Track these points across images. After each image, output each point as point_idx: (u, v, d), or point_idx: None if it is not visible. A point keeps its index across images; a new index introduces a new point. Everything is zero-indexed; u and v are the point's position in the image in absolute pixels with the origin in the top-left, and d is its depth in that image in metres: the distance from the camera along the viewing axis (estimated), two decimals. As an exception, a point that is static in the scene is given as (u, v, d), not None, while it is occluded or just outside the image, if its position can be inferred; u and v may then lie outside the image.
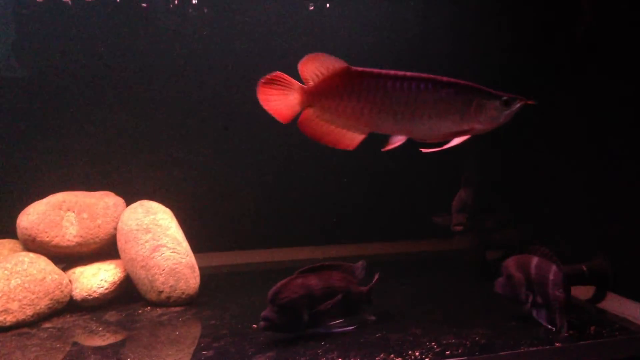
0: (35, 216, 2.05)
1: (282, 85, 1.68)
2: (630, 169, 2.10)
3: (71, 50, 2.36)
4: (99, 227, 2.13)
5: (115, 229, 2.15)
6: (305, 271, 1.82)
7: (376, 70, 1.68)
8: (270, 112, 1.71)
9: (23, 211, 2.09)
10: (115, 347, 1.75)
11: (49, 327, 1.88)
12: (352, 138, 1.73)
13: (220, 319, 1.97)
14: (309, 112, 1.71)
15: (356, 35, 2.63)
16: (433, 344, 1.74)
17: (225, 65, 2.55)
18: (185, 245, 2.14)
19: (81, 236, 2.10)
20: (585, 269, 2.10)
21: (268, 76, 1.67)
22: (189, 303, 2.08)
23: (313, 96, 1.69)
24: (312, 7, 2.60)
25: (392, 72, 1.68)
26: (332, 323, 1.84)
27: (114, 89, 2.43)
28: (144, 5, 2.41)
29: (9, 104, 2.31)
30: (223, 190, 2.63)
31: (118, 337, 1.83)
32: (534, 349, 1.72)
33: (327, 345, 1.73)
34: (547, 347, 1.74)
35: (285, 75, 1.68)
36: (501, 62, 2.55)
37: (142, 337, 1.83)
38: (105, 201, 2.18)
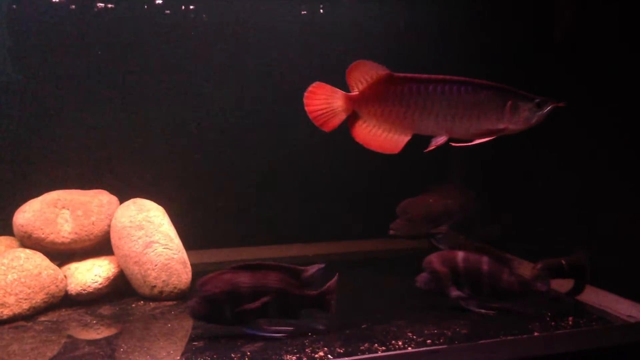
0: (31, 214, 2.11)
1: (325, 96, 1.76)
2: (608, 166, 2.17)
3: (63, 52, 2.41)
4: (93, 224, 2.19)
5: (109, 226, 2.21)
6: (239, 267, 1.79)
7: (417, 75, 1.77)
8: (317, 122, 1.79)
9: (19, 209, 2.15)
10: (109, 339, 1.82)
11: (44, 321, 1.94)
12: (397, 141, 1.81)
13: (211, 312, 2.03)
14: (356, 119, 1.78)
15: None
16: (415, 335, 1.81)
17: (218, 64, 2.61)
18: (177, 242, 2.20)
19: (76, 233, 2.16)
20: (564, 262, 2.17)
21: (310, 88, 1.76)
22: (180, 297, 2.14)
23: (358, 103, 1.77)
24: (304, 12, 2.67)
25: (432, 76, 1.77)
26: (274, 327, 1.80)
27: (106, 89, 2.47)
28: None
29: (5, 106, 2.36)
30: (215, 188, 2.68)
31: (112, 330, 1.89)
32: (513, 337, 1.80)
33: (314, 336, 1.79)
34: (525, 336, 1.81)
35: (327, 85, 1.77)
36: (488, 64, 2.63)
37: (135, 329, 1.89)
38: (100, 199, 2.25)
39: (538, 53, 2.49)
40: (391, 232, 2.40)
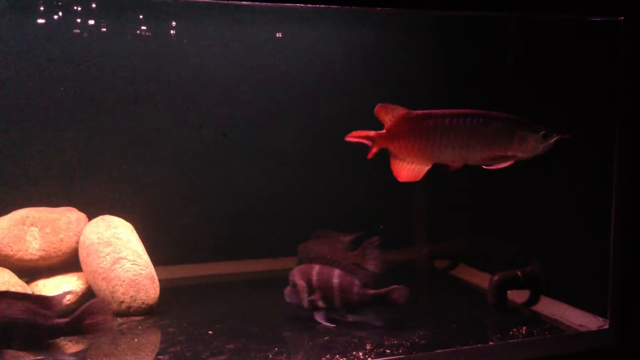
0: (-1, 231, 2.14)
1: (361, 138, 1.96)
2: (561, 178, 2.27)
3: (29, 69, 2.43)
4: (61, 241, 2.22)
5: (78, 242, 2.25)
6: None
7: (433, 111, 1.92)
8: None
9: (-13, 226, 2.17)
10: (77, 355, 1.84)
11: (12, 337, 1.96)
12: (419, 171, 1.96)
13: (178, 326, 2.07)
14: (390, 154, 1.97)
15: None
16: (375, 345, 1.88)
17: (185, 79, 2.66)
18: (145, 258, 2.24)
19: (44, 250, 2.19)
20: (520, 274, 2.26)
21: (350, 135, 1.95)
22: (148, 312, 2.17)
23: (385, 140, 1.95)
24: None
25: (446, 111, 1.91)
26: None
27: (72, 107, 2.51)
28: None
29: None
30: (182, 204, 2.73)
31: (80, 346, 1.91)
32: (468, 347, 1.87)
33: (277, 349, 1.85)
34: (480, 345, 1.89)
35: (361, 131, 1.96)
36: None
37: (103, 345, 1.92)
38: (68, 216, 2.28)
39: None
40: None
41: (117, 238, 2.21)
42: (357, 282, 2.04)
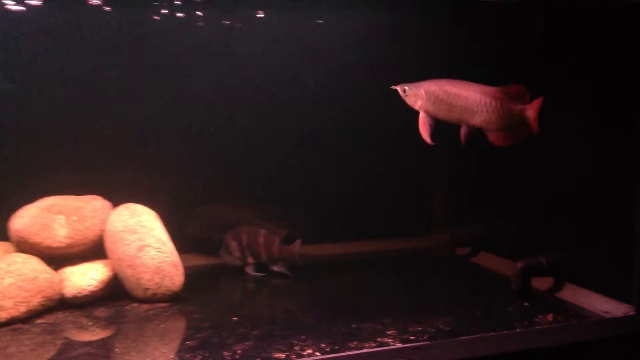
0: (27, 219, 2.17)
1: None
2: (586, 166, 2.25)
3: (56, 57, 2.46)
4: (87, 229, 2.25)
5: (103, 230, 2.27)
6: None
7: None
8: None
9: (15, 214, 2.19)
10: (104, 340, 1.88)
11: (41, 323, 1.99)
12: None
13: (202, 313, 2.09)
14: None
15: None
16: (400, 332, 1.88)
17: (214, 69, 2.67)
18: (169, 245, 2.26)
19: (71, 238, 2.21)
20: (544, 261, 2.25)
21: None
22: (173, 299, 2.20)
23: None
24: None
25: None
26: None
27: (98, 95, 2.53)
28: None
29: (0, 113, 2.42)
30: (206, 192, 2.75)
31: (107, 332, 1.95)
32: (493, 333, 1.87)
33: (302, 336, 1.86)
34: (505, 332, 1.89)
35: None
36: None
37: (129, 330, 1.95)
38: (93, 204, 2.30)
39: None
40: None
41: (142, 225, 2.23)
42: (277, 239, 2.49)
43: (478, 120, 2.09)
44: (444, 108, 2.11)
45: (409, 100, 2.15)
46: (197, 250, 2.70)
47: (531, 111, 2.06)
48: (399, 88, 2.17)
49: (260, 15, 2.66)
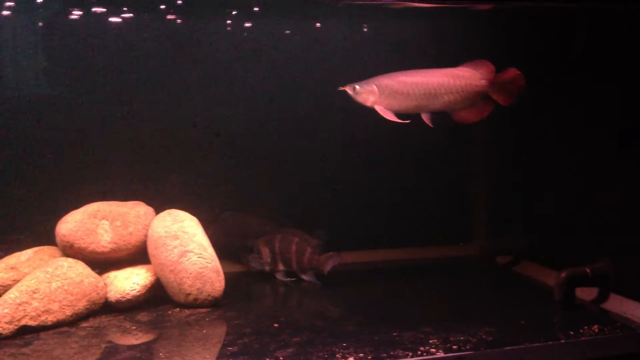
0: (73, 224, 2.21)
1: None
2: (630, 173, 2.20)
3: (103, 66, 2.51)
4: (131, 234, 2.28)
5: (146, 236, 2.31)
6: None
7: None
8: None
9: (61, 220, 2.24)
10: (147, 344, 1.90)
11: (86, 326, 2.03)
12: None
13: (244, 319, 2.10)
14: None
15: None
16: (441, 341, 1.87)
17: (253, 74, 2.71)
18: (210, 251, 2.28)
19: (115, 243, 2.25)
20: (589, 271, 2.21)
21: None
22: (214, 305, 2.21)
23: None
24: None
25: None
26: None
27: (141, 103, 2.58)
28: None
29: (48, 120, 2.48)
30: (247, 199, 2.77)
31: (150, 336, 1.98)
32: (539, 344, 1.84)
33: (344, 344, 1.86)
34: (551, 342, 1.86)
35: None
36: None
37: (172, 335, 1.98)
38: (137, 210, 2.34)
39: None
40: None
41: (184, 232, 2.26)
42: (309, 249, 2.48)
43: (440, 103, 2.12)
44: (400, 99, 2.13)
45: (360, 98, 2.17)
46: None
47: (494, 85, 2.06)
48: (347, 88, 2.18)
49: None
